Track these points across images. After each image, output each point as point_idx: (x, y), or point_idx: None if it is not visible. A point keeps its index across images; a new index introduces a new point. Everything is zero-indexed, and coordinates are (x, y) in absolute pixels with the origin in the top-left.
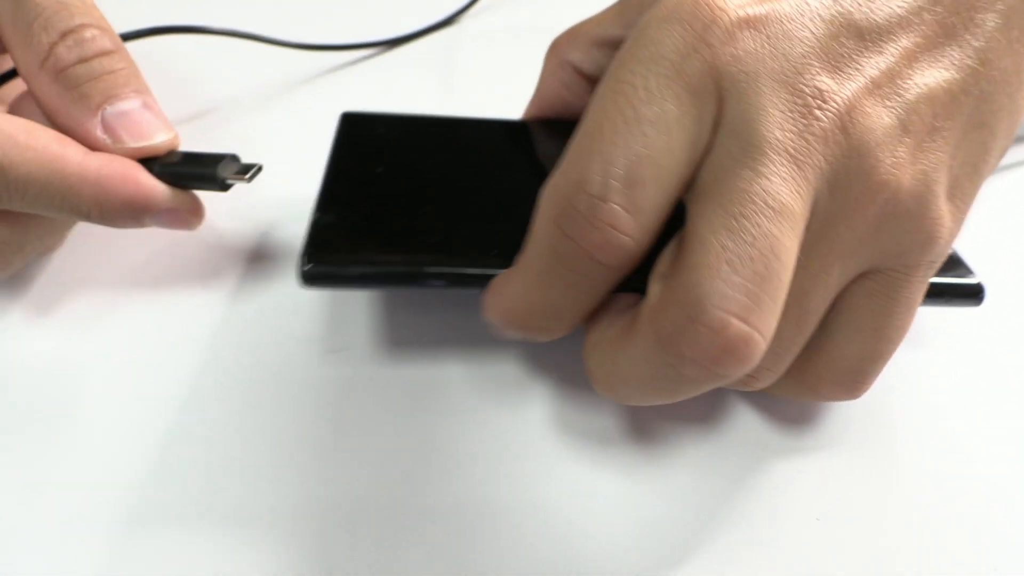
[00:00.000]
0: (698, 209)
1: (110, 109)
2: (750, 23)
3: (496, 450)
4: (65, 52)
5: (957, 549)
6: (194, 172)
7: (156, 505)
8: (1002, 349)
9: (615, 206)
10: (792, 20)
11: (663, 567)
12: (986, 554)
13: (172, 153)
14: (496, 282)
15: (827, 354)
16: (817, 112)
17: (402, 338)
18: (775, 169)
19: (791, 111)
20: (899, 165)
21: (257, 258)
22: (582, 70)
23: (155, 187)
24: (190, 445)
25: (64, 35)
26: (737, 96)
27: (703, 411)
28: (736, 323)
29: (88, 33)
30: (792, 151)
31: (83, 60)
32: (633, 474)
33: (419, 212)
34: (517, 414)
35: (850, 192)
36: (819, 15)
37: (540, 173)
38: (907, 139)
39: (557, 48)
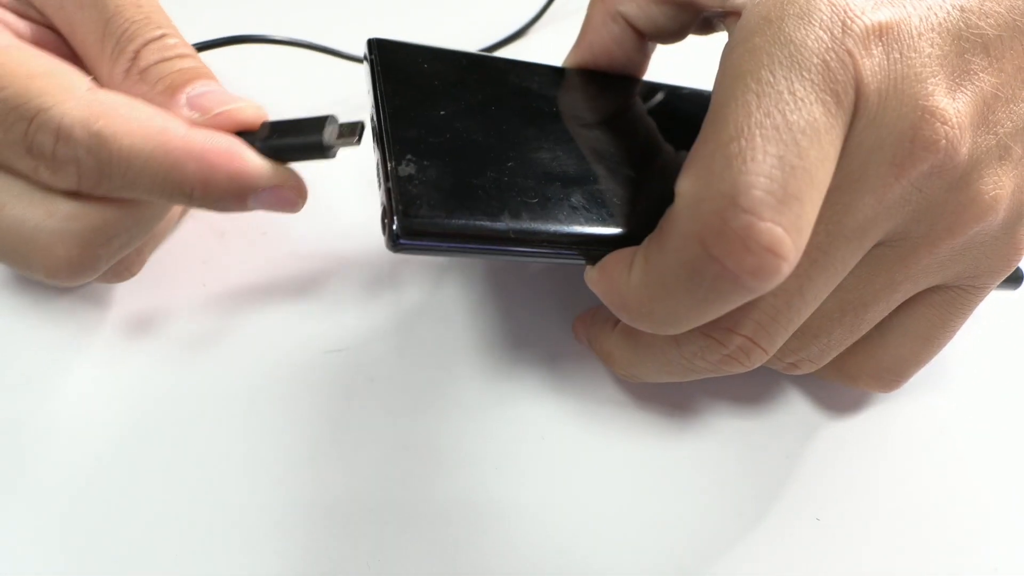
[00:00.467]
0: None
1: (192, 91)
2: (881, 33)
3: (497, 449)
4: (148, 55)
5: (957, 549)
6: (296, 142)
7: (154, 505)
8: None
9: (774, 226)
10: (922, 35)
11: (662, 566)
12: (986, 554)
13: (263, 126)
14: (609, 263)
15: (875, 351)
16: (935, 143)
17: (402, 338)
18: (864, 203)
19: (909, 141)
20: (999, 198)
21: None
22: (635, 25)
23: (260, 161)
24: (189, 444)
25: (148, 42)
26: (867, 117)
27: (700, 414)
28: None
29: (170, 40)
30: (890, 188)
31: (164, 60)
32: (631, 475)
33: (504, 167)
34: (518, 413)
35: (940, 223)
36: (947, 28)
37: (612, 129)
38: (1007, 166)
39: None
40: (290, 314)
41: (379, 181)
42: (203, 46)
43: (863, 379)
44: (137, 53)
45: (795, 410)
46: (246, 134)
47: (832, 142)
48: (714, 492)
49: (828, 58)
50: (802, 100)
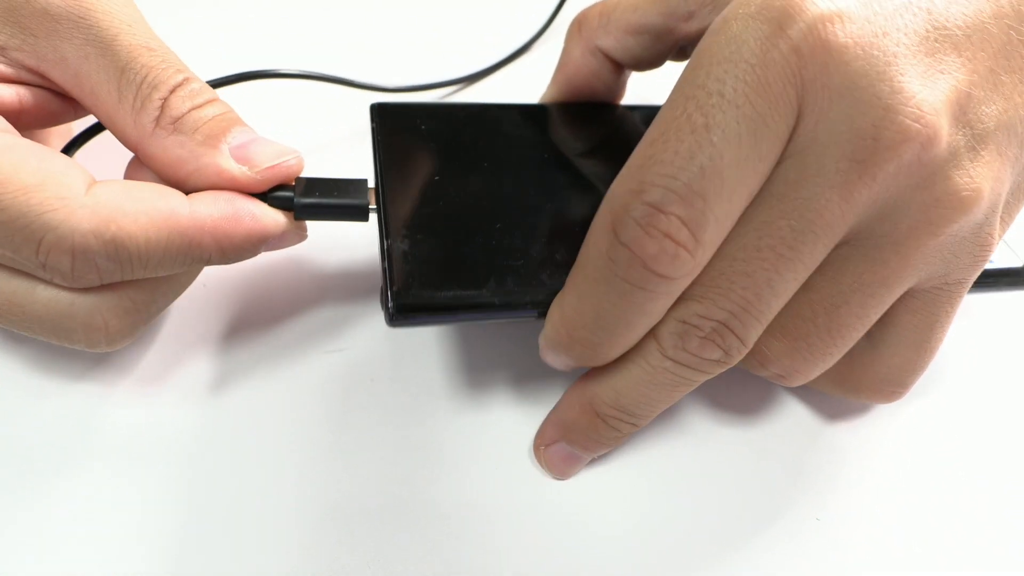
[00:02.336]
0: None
1: (232, 140)
2: (845, 33)
3: (497, 449)
4: (180, 102)
5: (957, 548)
6: (339, 204)
7: (153, 504)
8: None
9: (673, 218)
10: (887, 35)
11: (662, 566)
12: (987, 553)
13: (298, 181)
14: (555, 298)
15: (871, 364)
16: (904, 142)
17: (402, 338)
18: (827, 198)
19: (872, 139)
20: (971, 199)
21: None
22: (613, 57)
23: (269, 214)
24: (188, 444)
25: (174, 89)
26: (817, 113)
27: (699, 417)
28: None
29: (196, 84)
30: (854, 184)
31: (197, 107)
32: (630, 476)
33: (493, 229)
34: (518, 414)
35: (905, 221)
36: (913, 29)
37: (598, 171)
38: (979, 167)
39: (586, 29)
40: (290, 314)
41: (380, 252)
42: (214, 84)
43: (865, 392)
44: (165, 101)
45: (794, 412)
46: (284, 187)
47: (756, 144)
48: (714, 493)
49: (770, 58)
50: (730, 101)
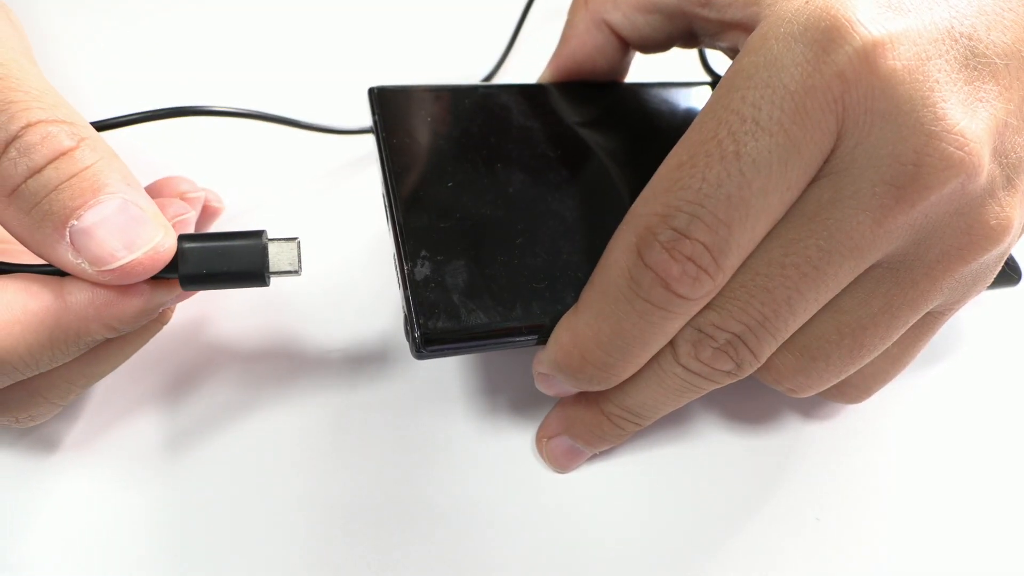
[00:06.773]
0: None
1: (77, 224)
2: (894, 56)
3: (498, 451)
4: (11, 167)
5: (957, 547)
6: (231, 273)
7: (153, 503)
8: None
9: (697, 243)
10: (930, 59)
11: (662, 567)
12: (986, 553)
13: (180, 241)
14: (559, 326)
15: None
16: (945, 170)
17: (402, 337)
18: (859, 221)
19: (913, 165)
20: (1004, 230)
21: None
22: (620, 33)
23: (150, 291)
24: (187, 443)
25: (7, 146)
26: (856, 137)
27: (698, 415)
28: None
29: (36, 135)
30: (891, 210)
31: (34, 172)
32: (630, 476)
33: (514, 245)
34: (519, 415)
35: (937, 247)
36: (955, 56)
37: (615, 167)
38: (1011, 197)
39: (593, 1)
40: (289, 314)
41: (396, 271)
42: (141, 118)
43: (829, 392)
44: None
45: (793, 410)
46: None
47: (786, 172)
48: (713, 493)
49: (811, 85)
50: (764, 129)
